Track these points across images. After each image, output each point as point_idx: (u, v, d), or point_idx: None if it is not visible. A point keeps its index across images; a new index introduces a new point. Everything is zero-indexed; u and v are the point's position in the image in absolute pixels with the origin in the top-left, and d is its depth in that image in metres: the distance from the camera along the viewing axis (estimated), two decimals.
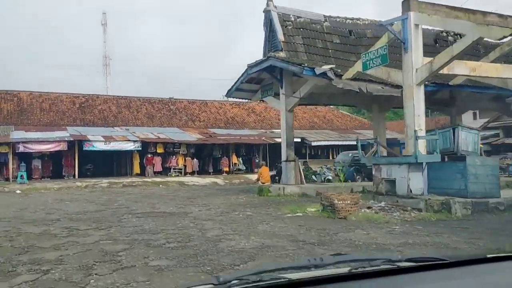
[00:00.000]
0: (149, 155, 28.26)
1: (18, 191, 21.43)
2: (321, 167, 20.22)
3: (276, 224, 9.44)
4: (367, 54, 12.56)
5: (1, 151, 24.68)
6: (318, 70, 13.65)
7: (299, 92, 16.05)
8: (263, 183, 17.37)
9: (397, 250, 6.86)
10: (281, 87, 16.80)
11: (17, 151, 24.50)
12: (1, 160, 24.99)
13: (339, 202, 10.01)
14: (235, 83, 18.28)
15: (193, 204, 13.99)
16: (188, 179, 26.76)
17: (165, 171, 28.97)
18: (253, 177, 28.23)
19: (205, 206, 13.30)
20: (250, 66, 16.81)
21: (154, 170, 28.39)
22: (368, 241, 7.55)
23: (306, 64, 14.25)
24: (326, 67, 13.84)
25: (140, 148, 27.23)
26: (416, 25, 11.47)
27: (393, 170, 11.31)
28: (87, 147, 25.76)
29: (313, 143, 32.81)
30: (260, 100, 19.80)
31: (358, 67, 13.13)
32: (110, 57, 52.02)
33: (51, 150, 25.22)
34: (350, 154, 25.96)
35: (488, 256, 1.74)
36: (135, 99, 35.88)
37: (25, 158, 25.17)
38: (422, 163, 10.91)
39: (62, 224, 9.92)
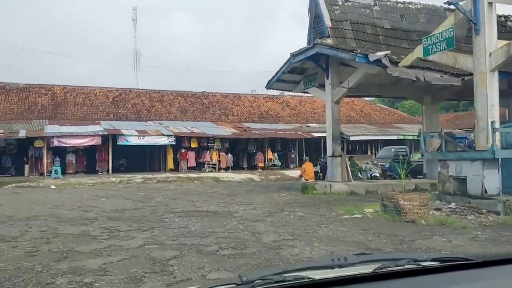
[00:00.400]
0: (183, 150, 27.60)
1: (52, 186, 21.09)
2: (367, 163, 18.98)
3: (336, 228, 8.39)
4: (429, 38, 11.29)
5: (36, 146, 24.47)
6: (372, 57, 12.46)
7: (347, 82, 14.88)
8: (306, 180, 16.30)
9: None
10: (327, 77, 15.67)
11: (51, 146, 24.24)
12: (35, 155, 24.81)
13: (406, 203, 8.88)
14: (276, 73, 17.25)
15: (235, 202, 13.08)
16: (223, 175, 25.95)
17: (199, 166, 28.27)
18: (290, 173, 27.24)
19: (249, 205, 12.36)
20: (293, 55, 15.74)
21: (188, 165, 27.72)
22: (456, 251, 6.42)
23: (358, 50, 13.08)
24: (380, 54, 12.65)
25: (174, 143, 26.58)
26: (490, 3, 10.15)
27: (464, 166, 10.05)
28: (121, 142, 25.28)
29: (351, 138, 31.47)
30: (303, 92, 18.66)
31: (418, 52, 11.88)
32: (140, 52, 51.71)
33: (85, 144, 24.86)
34: (393, 150, 24.64)
35: None
36: (167, 93, 35.35)
37: (59, 152, 24.92)
38: (498, 159, 9.62)
39: (101, 224, 9.17)
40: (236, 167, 29.16)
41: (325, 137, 31.95)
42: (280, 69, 16.89)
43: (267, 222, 9.08)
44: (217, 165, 28.31)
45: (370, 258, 1.56)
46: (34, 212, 11.41)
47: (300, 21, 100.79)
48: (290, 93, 41.18)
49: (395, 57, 12.81)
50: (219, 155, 28.48)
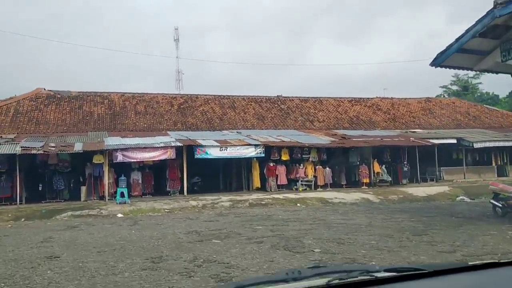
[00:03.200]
0: (271, 164, 21.86)
1: (119, 215, 15.88)
2: None
3: None
4: None
5: (95, 162, 19.42)
6: None
7: None
8: None
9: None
10: None
11: (115, 161, 19.11)
12: (94, 174, 19.71)
13: None
14: (458, 39, 11.22)
15: (482, 257, 7.04)
16: (328, 195, 20.00)
17: (290, 184, 22.46)
18: (412, 191, 21.02)
19: None
20: (504, 2, 9.71)
21: (278, 182, 21.95)
22: None
23: None
24: None
25: (263, 155, 20.92)
26: None
27: None
28: (199, 155, 19.87)
29: (476, 145, 24.80)
30: (487, 70, 12.47)
31: None
32: (183, 71, 47.07)
33: (156, 159, 19.60)
34: None
35: (469, 264, 1.69)
36: (239, 99, 30.00)
37: (122, 170, 19.80)
38: None
39: None
40: (332, 183, 23.12)
41: (444, 144, 25.63)
42: (468, 31, 10.86)
43: None
44: (313, 182, 22.38)
45: (324, 270, 1.54)
46: (120, 281, 5.83)
47: (336, 39, 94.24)
48: (379, 94, 35.14)
49: None
50: (314, 169, 22.58)
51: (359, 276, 1.47)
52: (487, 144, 25.36)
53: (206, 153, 19.92)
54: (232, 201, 18.31)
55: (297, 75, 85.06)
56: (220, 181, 25.86)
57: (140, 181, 20.72)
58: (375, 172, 23.46)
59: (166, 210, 16.75)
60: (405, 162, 24.14)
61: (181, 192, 20.87)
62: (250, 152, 20.61)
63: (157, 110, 26.94)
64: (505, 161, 27.44)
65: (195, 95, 29.78)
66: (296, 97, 31.65)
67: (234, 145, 20.51)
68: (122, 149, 19.01)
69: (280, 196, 19.45)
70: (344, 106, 31.35)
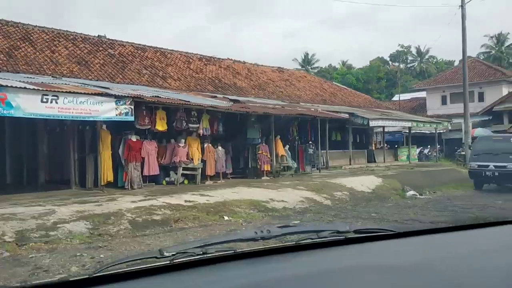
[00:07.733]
0: (134, 138, 11.74)
1: None
2: None
3: None
4: None
5: None
6: None
7: None
8: None
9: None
10: None
11: None
12: None
13: None
14: None
15: None
16: (250, 194, 11.34)
17: (161, 173, 12.83)
18: (347, 183, 14.25)
19: None
20: None
21: (146, 172, 12.03)
22: None
23: None
24: None
25: (133, 117, 10.68)
26: None
27: None
28: None
29: (372, 123, 20.10)
30: None
31: None
32: None
33: None
34: None
35: (440, 227, 1.74)
36: (37, 30, 17.69)
37: None
38: None
39: None
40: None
41: (340, 120, 19.94)
42: None
43: None
44: (199, 170, 13.25)
45: (293, 230, 1.53)
46: None
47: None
48: (231, 56, 27.55)
49: None
50: (202, 149, 13.50)
51: (329, 237, 1.47)
52: (380, 123, 20.99)
53: (9, 105, 8.52)
54: (87, 218, 7.80)
55: None
56: (7, 168, 14.07)
57: None
58: (280, 155, 15.89)
59: None
60: (310, 142, 17.30)
61: None
62: (108, 110, 10.09)
63: None
64: (382, 145, 23.97)
65: None
66: (128, 42, 21.14)
67: (74, 92, 9.57)
68: None
69: (179, 201, 9.77)
70: (196, 64, 22.57)
